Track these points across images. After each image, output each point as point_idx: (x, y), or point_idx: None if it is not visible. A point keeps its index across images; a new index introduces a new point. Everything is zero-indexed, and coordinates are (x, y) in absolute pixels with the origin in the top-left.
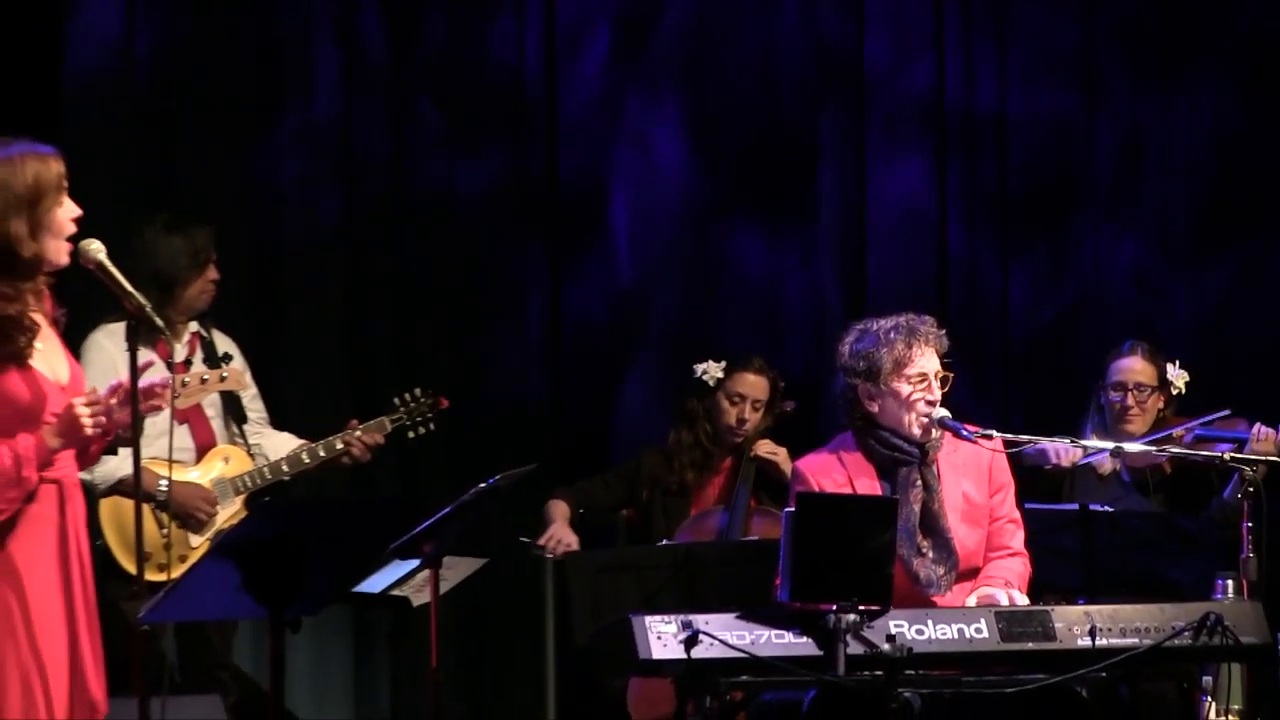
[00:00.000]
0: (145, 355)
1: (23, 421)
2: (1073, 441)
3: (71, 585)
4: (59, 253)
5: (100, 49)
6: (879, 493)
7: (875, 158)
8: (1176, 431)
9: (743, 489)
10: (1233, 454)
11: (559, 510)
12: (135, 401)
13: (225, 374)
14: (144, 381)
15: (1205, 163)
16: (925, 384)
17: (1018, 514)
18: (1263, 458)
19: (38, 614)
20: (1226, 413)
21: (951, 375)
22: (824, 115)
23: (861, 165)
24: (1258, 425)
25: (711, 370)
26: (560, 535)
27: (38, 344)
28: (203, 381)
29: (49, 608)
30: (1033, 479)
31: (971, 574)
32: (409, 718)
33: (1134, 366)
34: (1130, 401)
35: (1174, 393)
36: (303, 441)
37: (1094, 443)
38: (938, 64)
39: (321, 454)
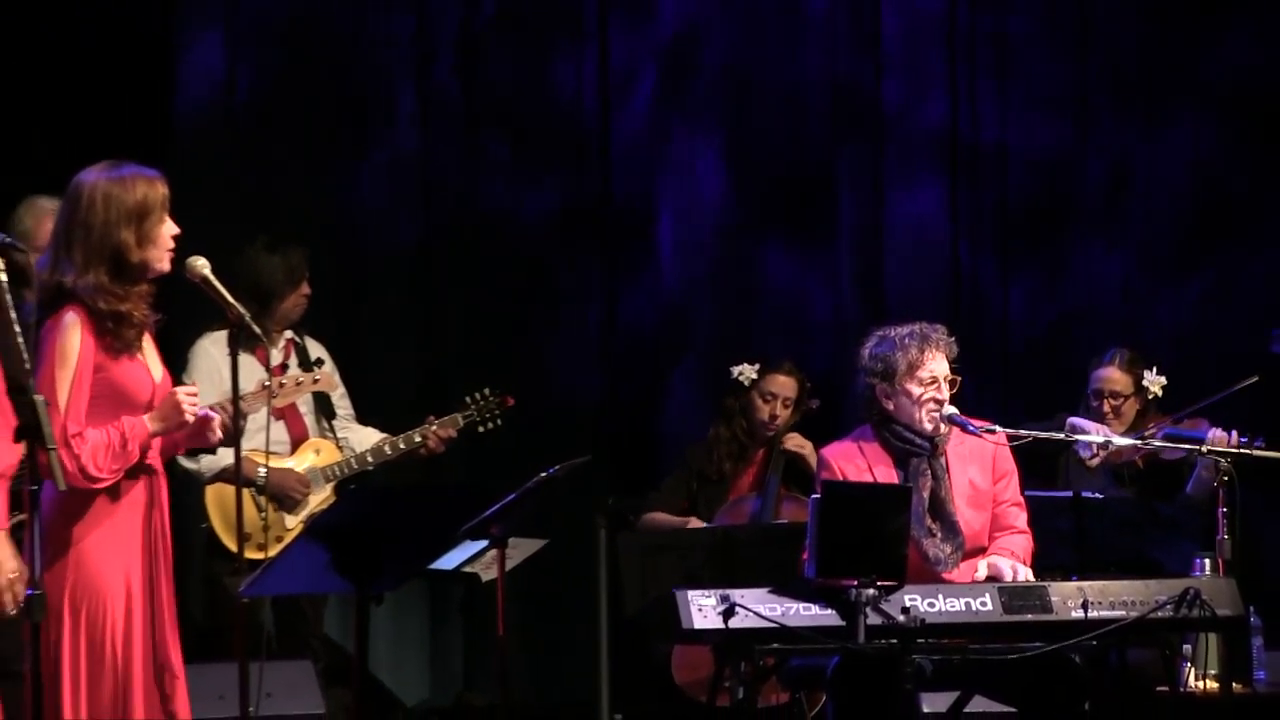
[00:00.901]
0: (245, 359)
1: (126, 406)
2: (1068, 435)
3: (155, 560)
4: (161, 262)
5: (206, 87)
6: (894, 479)
7: (891, 184)
8: (1149, 430)
9: (774, 478)
10: (1210, 449)
11: (662, 518)
12: (236, 398)
13: (318, 376)
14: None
15: (1183, 188)
16: (935, 385)
17: (1021, 498)
18: (1235, 450)
19: (124, 590)
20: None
21: (959, 379)
22: (845, 147)
23: (879, 191)
24: (1214, 430)
25: (746, 371)
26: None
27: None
28: (298, 383)
29: (134, 583)
30: (1032, 467)
31: (977, 552)
32: (478, 680)
33: (1111, 376)
34: (1107, 408)
35: (1150, 397)
36: (385, 435)
37: (1090, 436)
38: (946, 102)
39: (402, 446)
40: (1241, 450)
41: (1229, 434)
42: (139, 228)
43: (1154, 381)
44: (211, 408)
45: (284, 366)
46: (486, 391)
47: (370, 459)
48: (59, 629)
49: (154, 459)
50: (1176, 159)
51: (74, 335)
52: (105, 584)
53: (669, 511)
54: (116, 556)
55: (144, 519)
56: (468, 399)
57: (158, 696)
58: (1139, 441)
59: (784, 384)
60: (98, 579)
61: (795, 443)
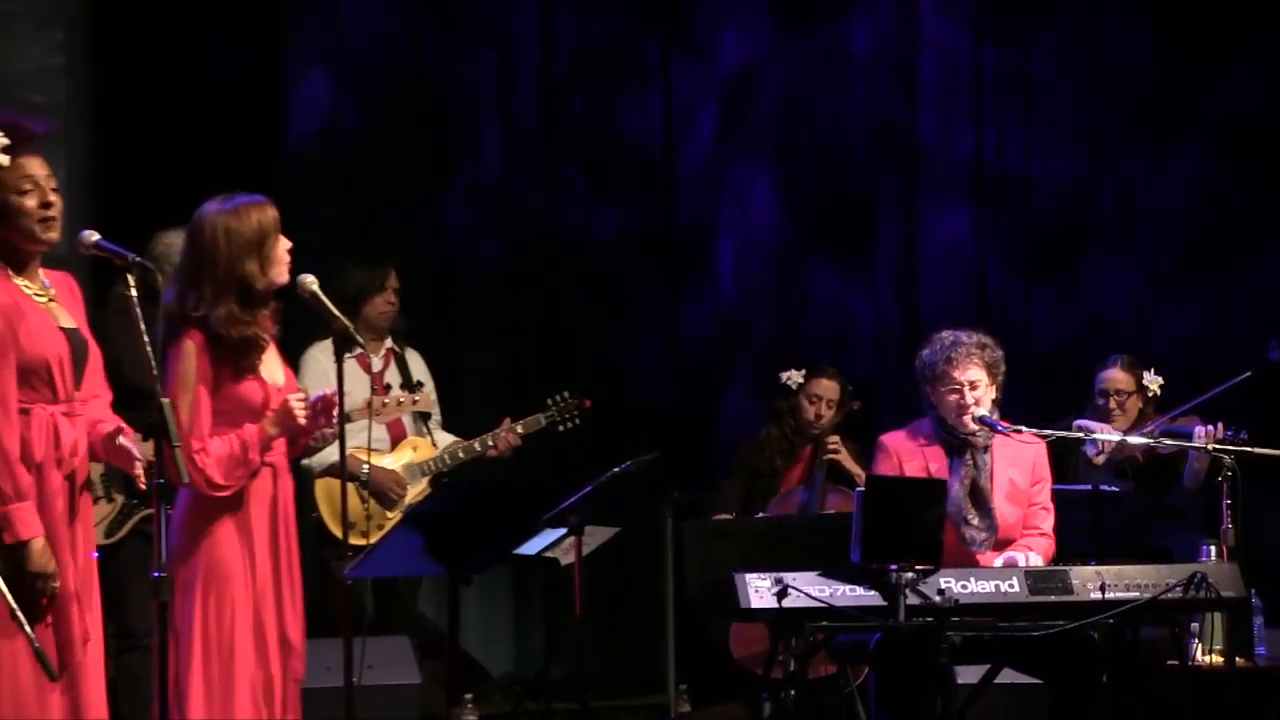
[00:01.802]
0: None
1: (249, 415)
2: (1085, 433)
3: (279, 548)
4: (281, 277)
5: (313, 121)
6: (944, 466)
7: (925, 209)
8: (1148, 429)
9: (819, 473)
10: (1215, 445)
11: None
12: (340, 399)
13: (417, 398)
14: (315, 395)
15: (1187, 211)
16: (960, 391)
17: (1051, 504)
18: (1236, 448)
19: (252, 574)
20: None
21: (986, 382)
22: (885, 175)
23: (914, 215)
24: (1202, 426)
25: (794, 376)
26: None
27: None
28: (399, 403)
29: (261, 568)
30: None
31: (1009, 543)
32: (557, 655)
33: (1115, 376)
34: (1113, 405)
35: (1150, 395)
36: (457, 439)
37: (1106, 435)
38: (975, 135)
39: (477, 448)
40: (1244, 448)
41: (1214, 427)
42: (260, 254)
43: (1153, 381)
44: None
45: (384, 379)
46: (566, 394)
47: (462, 455)
48: (191, 608)
49: (277, 457)
50: (1181, 185)
51: (192, 361)
52: (234, 568)
53: (728, 514)
54: (244, 544)
55: (269, 510)
56: (549, 401)
57: (280, 668)
58: (1151, 441)
59: (827, 387)
60: (227, 564)
61: (831, 445)
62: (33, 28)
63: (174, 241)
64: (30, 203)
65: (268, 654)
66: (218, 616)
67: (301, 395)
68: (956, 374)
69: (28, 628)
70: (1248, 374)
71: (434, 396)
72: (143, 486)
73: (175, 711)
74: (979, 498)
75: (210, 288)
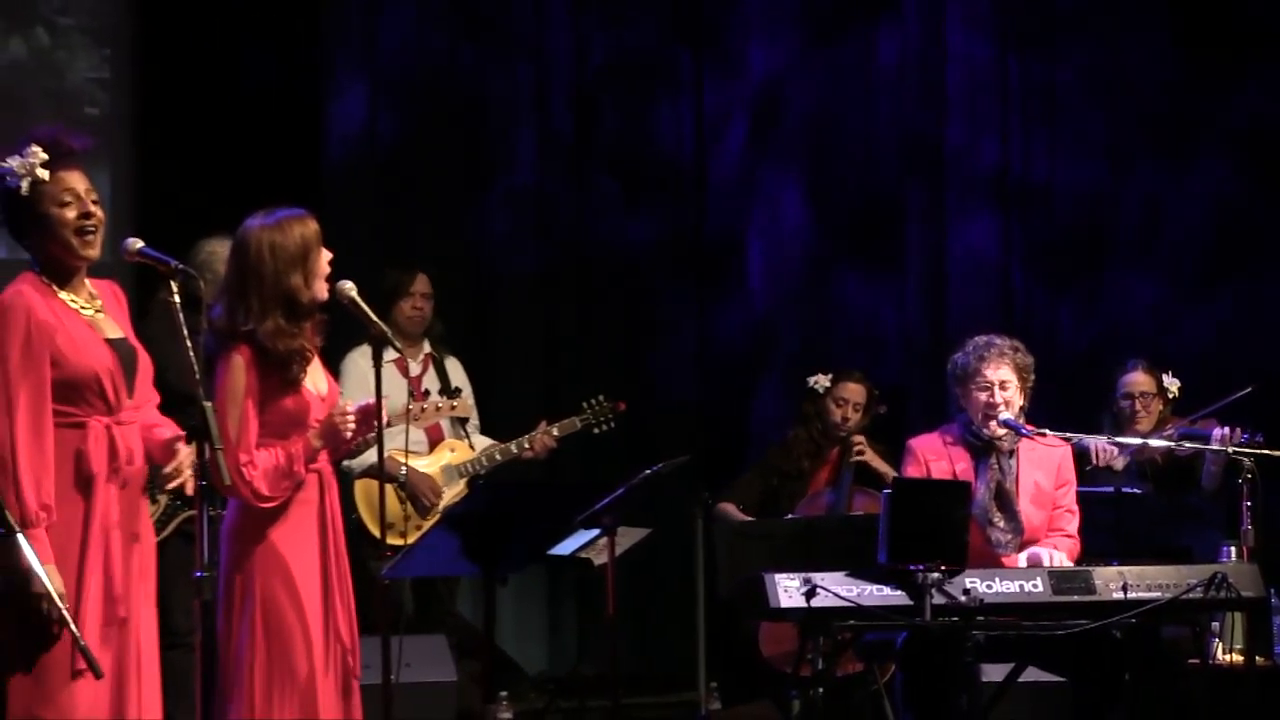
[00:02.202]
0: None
1: (296, 427)
2: (1110, 439)
3: (328, 551)
4: (323, 291)
5: (351, 133)
6: (970, 469)
7: (952, 217)
8: (1168, 431)
9: (847, 474)
10: (1235, 448)
11: (733, 510)
12: (379, 405)
13: (455, 404)
14: (355, 407)
15: (1206, 221)
16: (990, 391)
17: (1075, 507)
18: (1255, 450)
19: (303, 576)
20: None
21: (1015, 385)
22: (912, 184)
23: (942, 223)
24: (1220, 429)
25: (822, 380)
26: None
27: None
28: (437, 408)
29: (311, 571)
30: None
31: (1033, 544)
32: (591, 653)
33: (1137, 380)
34: (1137, 407)
35: (1169, 397)
36: (494, 442)
37: (1129, 440)
38: (1000, 146)
39: (514, 450)
40: (1261, 450)
41: (1232, 431)
42: (304, 267)
43: (1171, 384)
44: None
45: (422, 382)
46: (600, 398)
47: (499, 456)
48: (245, 609)
49: (322, 464)
50: (1201, 195)
51: (241, 375)
52: (283, 570)
53: (738, 504)
54: (292, 547)
55: (317, 513)
56: (584, 405)
57: (338, 669)
58: (1172, 443)
59: (854, 391)
60: (277, 566)
61: (856, 445)
62: (88, 41)
63: (216, 249)
64: (70, 214)
65: (324, 655)
66: (270, 618)
67: (346, 408)
68: (988, 371)
69: (74, 627)
70: (1248, 389)
71: (471, 402)
72: (189, 492)
73: (219, 712)
74: (1004, 500)
75: (257, 302)
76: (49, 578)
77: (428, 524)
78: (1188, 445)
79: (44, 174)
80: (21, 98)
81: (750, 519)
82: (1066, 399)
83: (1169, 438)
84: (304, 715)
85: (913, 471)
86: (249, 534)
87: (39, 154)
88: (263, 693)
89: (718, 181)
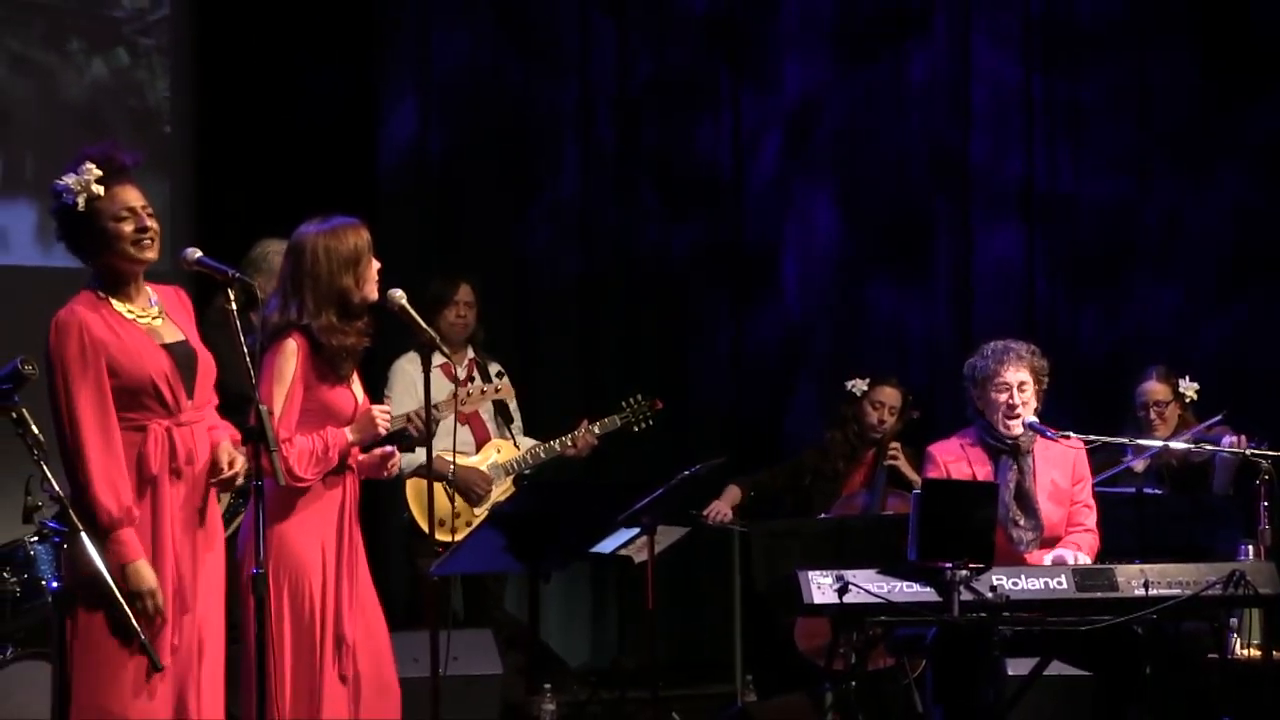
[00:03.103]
0: (435, 374)
1: (333, 420)
2: (1130, 441)
3: (342, 548)
4: (374, 293)
5: (403, 147)
6: (989, 473)
7: (978, 228)
8: (1185, 436)
9: (881, 475)
10: (1254, 451)
11: (730, 492)
12: (428, 406)
13: (498, 387)
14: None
15: (1227, 232)
16: (1008, 394)
17: (1092, 501)
18: (1276, 454)
19: (313, 574)
20: (1219, 418)
21: (1032, 387)
22: (940, 196)
23: (968, 233)
24: (1230, 436)
25: (858, 384)
26: (719, 508)
27: None
28: (481, 392)
29: (330, 557)
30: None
31: (1054, 542)
32: (631, 647)
33: (1153, 388)
34: (1153, 415)
35: (1187, 401)
36: (537, 441)
37: (1150, 442)
38: (1025, 159)
39: (557, 448)
40: (1277, 452)
41: (1239, 437)
42: (356, 271)
43: (1188, 388)
44: (407, 416)
45: (469, 379)
46: (639, 396)
47: (543, 455)
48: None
49: (351, 462)
50: (1221, 206)
51: (292, 359)
52: (306, 562)
53: (745, 490)
54: (315, 539)
55: (339, 510)
56: (623, 404)
57: (333, 666)
58: (1191, 446)
59: (890, 394)
60: (300, 557)
61: (891, 451)
62: (165, 62)
63: (275, 249)
64: (127, 228)
65: (336, 641)
66: (292, 606)
67: (385, 408)
68: (1006, 373)
69: (135, 623)
70: (1220, 415)
71: (509, 386)
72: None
73: (243, 703)
74: (1024, 499)
75: (312, 299)
76: (141, 572)
77: (477, 520)
78: (1208, 448)
79: (99, 190)
80: (104, 119)
81: (731, 504)
82: (1088, 405)
83: (1186, 441)
84: (309, 711)
85: (933, 476)
86: (275, 523)
87: (93, 171)
88: (279, 686)
89: (754, 193)
